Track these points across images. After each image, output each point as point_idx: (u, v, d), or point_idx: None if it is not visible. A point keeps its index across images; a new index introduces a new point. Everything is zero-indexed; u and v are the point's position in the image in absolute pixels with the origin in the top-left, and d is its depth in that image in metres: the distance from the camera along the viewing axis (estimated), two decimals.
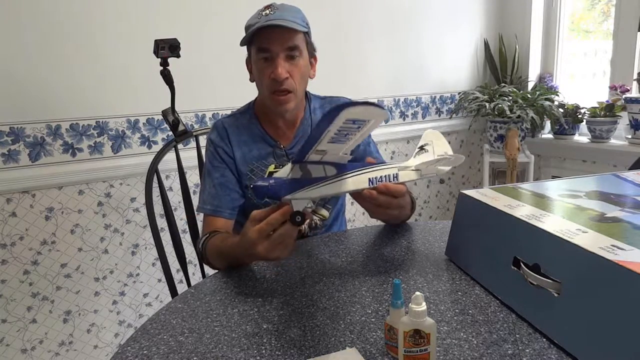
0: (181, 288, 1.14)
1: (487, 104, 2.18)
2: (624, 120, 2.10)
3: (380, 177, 0.80)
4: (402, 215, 1.02)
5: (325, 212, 1.15)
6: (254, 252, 0.74)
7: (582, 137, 2.28)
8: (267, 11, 0.98)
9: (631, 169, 1.17)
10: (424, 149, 0.87)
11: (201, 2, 1.63)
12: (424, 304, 0.53)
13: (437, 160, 0.84)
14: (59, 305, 1.51)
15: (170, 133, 1.56)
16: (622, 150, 2.05)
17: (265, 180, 0.72)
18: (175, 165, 1.29)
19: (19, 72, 1.37)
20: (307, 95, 1.15)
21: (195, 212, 1.18)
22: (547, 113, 2.13)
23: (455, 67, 2.44)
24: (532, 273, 0.62)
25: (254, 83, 1.08)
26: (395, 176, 0.82)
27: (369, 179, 0.78)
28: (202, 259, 0.99)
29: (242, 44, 1.04)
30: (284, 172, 0.73)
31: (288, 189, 0.72)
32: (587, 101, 2.22)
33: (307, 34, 1.04)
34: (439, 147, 0.87)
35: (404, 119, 2.29)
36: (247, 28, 1.02)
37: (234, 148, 1.09)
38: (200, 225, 1.34)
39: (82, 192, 1.51)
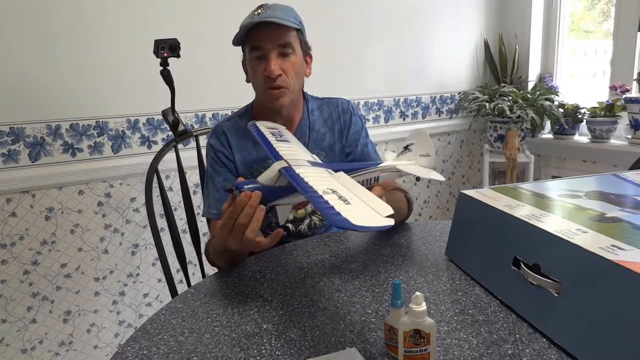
0: (181, 288, 1.14)
1: (487, 104, 2.18)
2: (624, 120, 2.10)
3: (363, 181, 0.83)
4: (399, 215, 1.03)
5: None
6: (228, 245, 0.77)
7: (582, 137, 2.28)
8: (259, 10, 0.99)
9: (631, 169, 1.17)
10: (408, 148, 0.90)
11: (201, 2, 1.63)
12: (424, 304, 0.53)
13: (414, 164, 0.88)
14: (59, 305, 1.51)
15: (170, 133, 1.56)
16: (622, 150, 2.05)
17: (250, 186, 0.73)
18: (175, 165, 1.29)
19: (19, 72, 1.37)
20: (305, 96, 1.15)
21: (201, 217, 1.18)
22: (547, 113, 2.14)
23: (455, 67, 2.44)
24: (532, 273, 0.62)
25: (251, 84, 1.08)
26: (377, 179, 0.85)
27: None
28: (209, 261, 1.00)
29: (234, 43, 1.04)
30: (270, 175, 0.74)
31: (275, 197, 0.74)
32: (587, 101, 2.22)
33: (300, 32, 1.04)
34: (422, 147, 0.90)
35: (404, 119, 2.29)
36: (240, 29, 1.02)
37: (234, 152, 1.09)
38: (200, 225, 1.34)
39: (82, 192, 1.51)
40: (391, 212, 0.57)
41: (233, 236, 0.74)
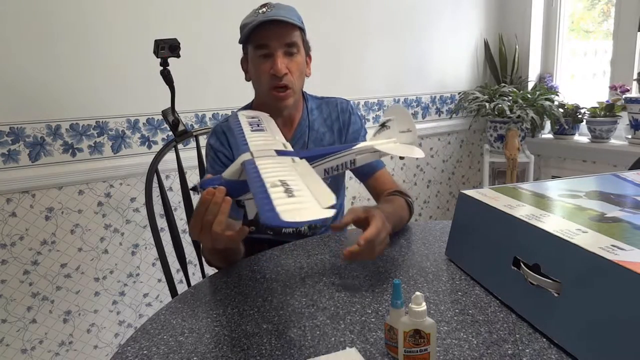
0: (181, 288, 1.14)
1: (487, 104, 2.18)
2: (624, 120, 2.10)
3: (337, 165, 0.78)
4: (401, 222, 1.03)
5: None
6: (203, 245, 0.77)
7: (582, 137, 2.28)
8: (264, 9, 0.99)
9: (631, 169, 1.17)
10: (385, 125, 0.83)
11: (201, 2, 1.63)
12: (424, 304, 0.53)
13: (394, 142, 0.82)
14: (59, 305, 1.51)
15: (170, 133, 1.56)
16: (622, 150, 2.05)
17: (215, 182, 0.71)
18: (175, 165, 1.30)
19: (19, 72, 1.37)
20: (304, 96, 1.15)
21: None
22: (547, 113, 2.14)
23: (455, 67, 2.44)
24: (532, 273, 0.62)
25: (251, 83, 1.08)
26: (353, 162, 0.80)
27: (325, 169, 0.77)
28: (206, 261, 1.00)
29: (240, 42, 1.04)
30: (234, 169, 0.71)
31: (241, 191, 0.71)
32: (587, 101, 2.22)
33: (303, 32, 1.05)
34: (402, 123, 0.83)
35: None
36: (242, 27, 1.02)
37: (234, 152, 1.09)
38: None
39: (82, 192, 1.51)
40: (333, 202, 0.54)
41: (204, 235, 0.72)
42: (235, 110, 1.17)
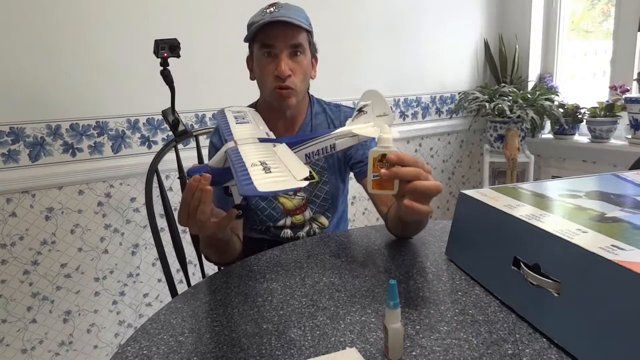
0: (181, 288, 1.14)
1: (487, 104, 2.18)
2: (624, 120, 2.10)
3: (318, 150, 0.80)
4: (423, 225, 0.95)
5: (324, 220, 1.14)
6: (192, 231, 0.79)
7: (582, 137, 2.28)
8: (272, 9, 0.99)
9: (631, 169, 1.17)
10: (362, 110, 0.85)
11: (201, 1, 1.63)
12: (391, 130, 0.56)
13: (372, 126, 0.85)
14: (59, 305, 1.51)
15: (170, 133, 1.56)
16: (622, 150, 2.05)
17: (201, 170, 0.74)
18: (175, 165, 1.30)
19: (19, 72, 1.37)
20: (311, 99, 1.14)
21: None
22: (547, 113, 2.14)
23: (455, 67, 2.44)
24: (532, 273, 0.62)
25: (255, 83, 1.08)
26: (333, 146, 0.81)
27: (306, 154, 0.79)
28: (204, 256, 1.00)
29: (246, 40, 1.04)
30: (218, 157, 0.74)
31: (225, 178, 0.74)
32: (587, 101, 2.22)
33: (310, 34, 1.04)
34: (378, 107, 0.85)
35: (404, 119, 2.29)
36: (250, 25, 1.02)
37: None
38: None
39: (82, 192, 1.51)
40: (307, 174, 0.58)
41: (192, 222, 0.74)
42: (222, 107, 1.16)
